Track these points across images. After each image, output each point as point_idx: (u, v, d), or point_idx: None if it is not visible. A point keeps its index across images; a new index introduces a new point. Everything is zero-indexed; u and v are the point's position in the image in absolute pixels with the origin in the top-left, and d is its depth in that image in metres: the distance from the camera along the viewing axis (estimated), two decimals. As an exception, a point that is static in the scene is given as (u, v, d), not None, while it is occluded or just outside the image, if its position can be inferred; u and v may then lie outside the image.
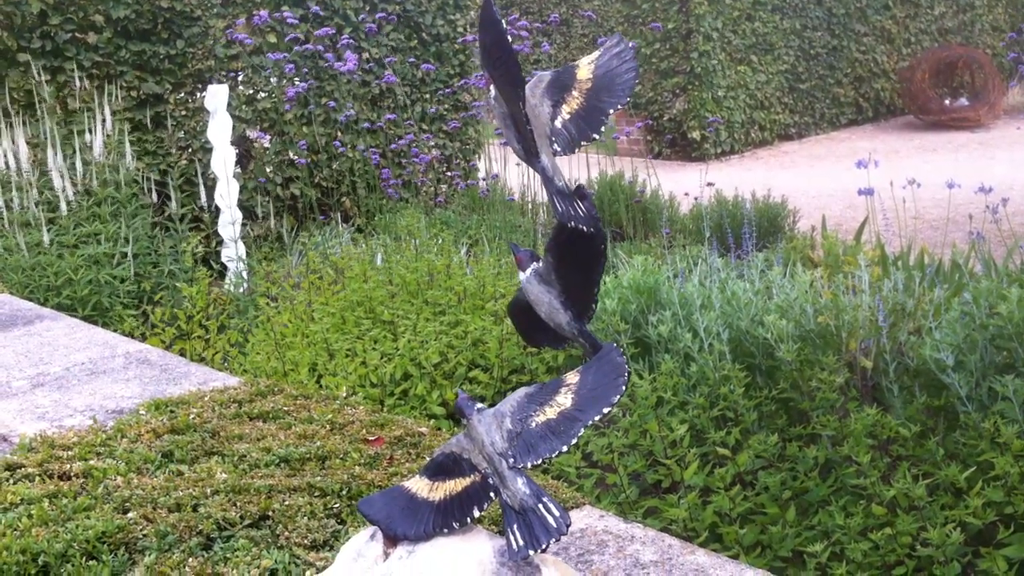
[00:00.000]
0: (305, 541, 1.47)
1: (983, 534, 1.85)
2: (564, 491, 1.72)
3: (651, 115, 9.87)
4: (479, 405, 1.24)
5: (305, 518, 1.52)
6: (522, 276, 1.37)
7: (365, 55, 6.23)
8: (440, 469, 1.26)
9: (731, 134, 9.95)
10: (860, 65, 11.15)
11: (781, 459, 2.17)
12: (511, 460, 1.20)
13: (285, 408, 1.99)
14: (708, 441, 2.25)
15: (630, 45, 1.34)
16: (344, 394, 2.12)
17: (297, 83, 5.68)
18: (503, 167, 6.24)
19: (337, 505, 1.58)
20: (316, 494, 1.60)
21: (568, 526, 1.17)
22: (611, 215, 5.71)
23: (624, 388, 1.20)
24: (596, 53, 1.35)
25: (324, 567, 1.40)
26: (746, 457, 2.15)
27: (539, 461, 1.19)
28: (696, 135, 9.72)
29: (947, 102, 10.82)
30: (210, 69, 5.61)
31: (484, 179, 6.43)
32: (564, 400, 1.22)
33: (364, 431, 1.85)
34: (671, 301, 2.73)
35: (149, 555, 1.44)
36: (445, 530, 1.21)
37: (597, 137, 1.28)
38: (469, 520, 1.21)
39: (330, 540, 1.49)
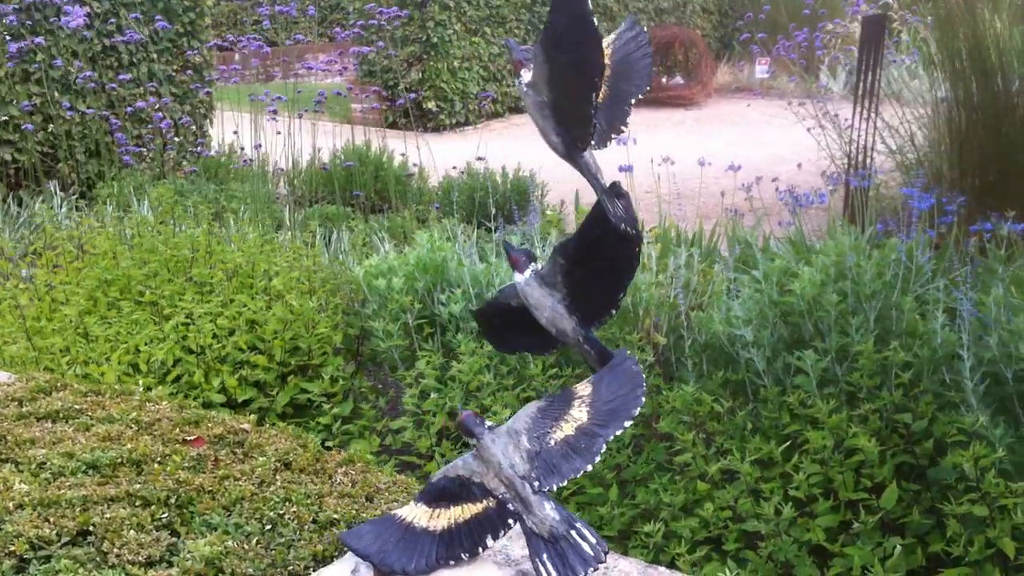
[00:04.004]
0: (139, 558, 1.33)
1: (795, 504, 1.94)
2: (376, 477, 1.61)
3: (386, 84, 9.75)
4: (489, 423, 1.15)
5: (133, 531, 1.38)
6: (519, 278, 1.27)
7: (86, 9, 5.76)
8: (442, 494, 1.16)
9: (466, 105, 10.01)
10: (584, 41, 11.50)
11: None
12: (536, 484, 1.11)
13: (77, 406, 1.79)
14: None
15: (644, 30, 1.26)
16: (140, 387, 1.94)
17: (26, 37, 5.17)
18: (251, 135, 5.97)
19: (166, 515, 1.44)
20: (139, 504, 1.46)
21: (606, 553, 1.10)
22: (360, 186, 5.60)
23: (643, 399, 1.14)
24: (611, 37, 1.26)
25: (169, 587, 1.27)
26: (558, 437, 2.15)
27: (564, 483, 1.11)
28: (432, 106, 9.71)
29: (664, 80, 11.38)
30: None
31: (241, 149, 6.14)
32: (580, 414, 1.14)
33: (177, 430, 1.69)
34: (461, 279, 2.69)
35: (-46, 586, 1.26)
36: (451, 562, 1.11)
37: (625, 130, 1.20)
38: (481, 550, 1.12)
39: (166, 555, 1.35)
